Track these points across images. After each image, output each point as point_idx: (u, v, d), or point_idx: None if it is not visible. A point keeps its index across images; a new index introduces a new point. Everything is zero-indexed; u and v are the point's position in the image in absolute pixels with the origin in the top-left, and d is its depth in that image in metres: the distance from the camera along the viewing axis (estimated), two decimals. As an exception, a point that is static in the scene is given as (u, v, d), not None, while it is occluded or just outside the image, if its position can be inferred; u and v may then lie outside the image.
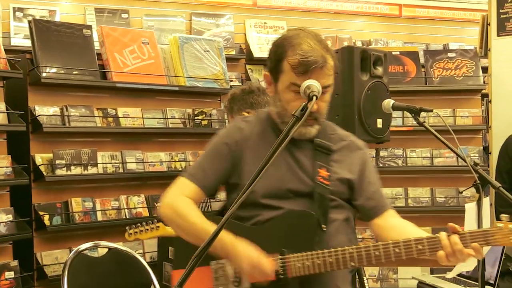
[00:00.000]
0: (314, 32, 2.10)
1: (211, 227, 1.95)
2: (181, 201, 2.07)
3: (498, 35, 4.61)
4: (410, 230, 2.03)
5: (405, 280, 4.55)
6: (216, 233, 1.60)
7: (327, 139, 2.13)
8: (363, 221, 2.17)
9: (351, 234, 2.18)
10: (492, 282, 3.73)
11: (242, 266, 1.93)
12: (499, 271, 3.79)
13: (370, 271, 4.58)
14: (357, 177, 2.12)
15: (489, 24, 4.66)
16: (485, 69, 4.89)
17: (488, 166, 4.62)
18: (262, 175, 1.86)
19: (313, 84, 1.88)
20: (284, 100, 2.03)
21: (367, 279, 3.57)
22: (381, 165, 4.68)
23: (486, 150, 4.81)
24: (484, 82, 4.84)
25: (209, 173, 2.10)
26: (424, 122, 2.70)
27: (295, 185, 2.05)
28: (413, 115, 2.72)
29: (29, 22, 3.93)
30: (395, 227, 2.08)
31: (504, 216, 1.82)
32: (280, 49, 2.03)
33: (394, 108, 2.90)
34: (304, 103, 1.83)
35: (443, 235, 1.81)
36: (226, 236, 1.91)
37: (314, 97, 1.83)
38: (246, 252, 1.91)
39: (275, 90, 2.07)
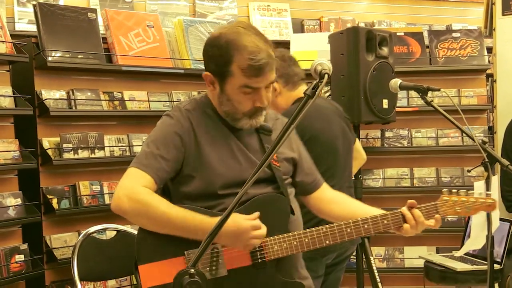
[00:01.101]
0: (250, 24, 2.13)
1: (186, 213, 1.92)
2: (143, 191, 1.94)
3: (503, 14, 4.56)
4: (351, 203, 2.27)
5: (411, 259, 4.53)
6: (225, 218, 1.59)
7: (264, 120, 2.13)
8: (299, 195, 2.25)
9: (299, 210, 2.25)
10: (498, 260, 3.71)
11: (240, 238, 1.89)
12: (506, 249, 3.77)
13: (377, 251, 4.56)
14: (297, 154, 2.21)
15: (494, 4, 4.60)
16: (489, 49, 4.84)
17: (493, 146, 4.59)
18: (219, 165, 1.99)
19: (324, 62, 1.85)
20: (235, 101, 2.01)
21: (373, 259, 3.56)
22: (386, 145, 4.65)
23: (491, 130, 4.77)
24: (489, 61, 4.79)
25: (163, 164, 1.99)
26: (432, 101, 2.67)
27: (248, 172, 1.95)
28: (420, 94, 2.69)
29: (34, 6, 3.89)
30: (335, 199, 2.26)
31: (445, 191, 2.15)
32: (225, 53, 1.97)
33: (402, 87, 2.86)
34: (315, 81, 1.80)
35: (405, 210, 2.05)
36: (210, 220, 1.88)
37: (326, 75, 1.80)
38: (242, 224, 1.89)
39: (221, 91, 2.03)
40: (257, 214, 1.92)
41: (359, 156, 3.43)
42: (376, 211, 2.13)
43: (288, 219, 2.03)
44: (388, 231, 2.06)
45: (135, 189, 1.94)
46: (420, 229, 2.06)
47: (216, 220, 1.64)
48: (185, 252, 1.94)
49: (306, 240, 1.97)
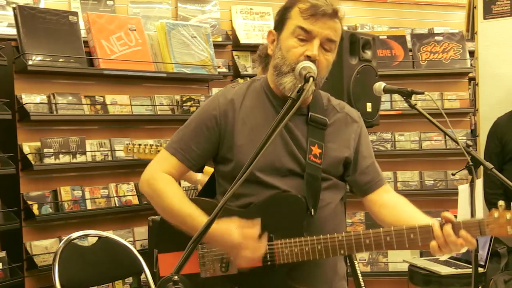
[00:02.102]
0: None
1: (189, 209, 1.89)
2: (159, 178, 1.97)
3: (484, 18, 4.58)
4: (402, 209, 1.98)
5: (396, 263, 4.54)
6: (211, 221, 1.51)
7: (321, 112, 2.03)
8: (359, 196, 2.09)
9: (343, 216, 2.13)
10: (482, 263, 3.72)
11: (230, 251, 1.87)
12: (489, 253, 3.78)
13: (360, 255, 4.56)
14: (352, 152, 2.04)
15: (475, 7, 4.62)
16: (472, 53, 4.87)
17: (476, 149, 4.61)
18: (251, 148, 1.83)
19: (309, 65, 1.82)
20: (285, 48, 1.92)
21: (358, 263, 3.54)
22: (369, 149, 4.64)
23: (474, 133, 4.79)
24: (471, 65, 4.82)
25: (192, 146, 1.99)
26: (416, 104, 2.66)
27: (290, 163, 1.96)
28: (404, 97, 2.68)
29: (14, 9, 3.84)
30: (388, 204, 2.01)
31: (501, 204, 1.73)
32: (289, 1, 1.94)
33: (386, 91, 2.84)
34: (300, 85, 1.77)
35: (436, 225, 1.75)
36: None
37: (311, 78, 1.76)
38: (233, 236, 1.82)
39: (278, 42, 1.96)
40: (257, 221, 1.84)
41: None
42: (422, 219, 1.86)
43: (303, 222, 1.92)
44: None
45: (155, 174, 1.99)
46: (455, 250, 1.75)
47: (218, 225, 1.65)
48: (199, 246, 1.90)
49: (319, 247, 1.84)
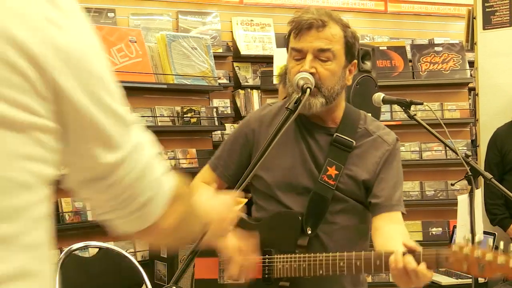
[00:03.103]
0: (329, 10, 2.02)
1: None
2: (198, 185, 2.09)
3: (484, 28, 4.60)
4: (391, 243, 1.83)
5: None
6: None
7: (350, 134, 1.99)
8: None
9: (363, 243, 2.06)
10: (484, 274, 3.72)
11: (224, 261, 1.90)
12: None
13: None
14: (373, 176, 1.97)
15: (475, 18, 4.65)
16: (471, 63, 4.89)
17: (476, 159, 4.62)
18: (276, 166, 1.94)
19: (306, 76, 1.83)
20: (288, 72, 1.96)
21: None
22: (370, 159, 4.65)
23: (474, 143, 4.80)
24: (471, 75, 4.83)
25: (228, 162, 2.09)
26: (415, 115, 2.67)
27: (306, 181, 1.97)
28: (403, 108, 2.69)
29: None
30: (385, 234, 1.92)
31: (466, 239, 1.63)
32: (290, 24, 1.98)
33: (385, 101, 2.86)
34: (296, 96, 1.79)
35: (396, 253, 1.66)
36: None
37: (308, 89, 1.78)
38: (226, 249, 1.84)
39: None
40: (254, 235, 1.84)
41: None
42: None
43: (296, 240, 1.93)
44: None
45: (195, 182, 2.12)
46: (416, 281, 1.63)
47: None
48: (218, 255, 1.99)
49: (304, 265, 1.84)
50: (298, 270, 1.86)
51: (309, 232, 1.94)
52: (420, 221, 4.58)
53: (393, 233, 1.90)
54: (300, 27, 1.88)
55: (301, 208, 1.96)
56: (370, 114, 2.25)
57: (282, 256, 1.90)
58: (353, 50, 1.99)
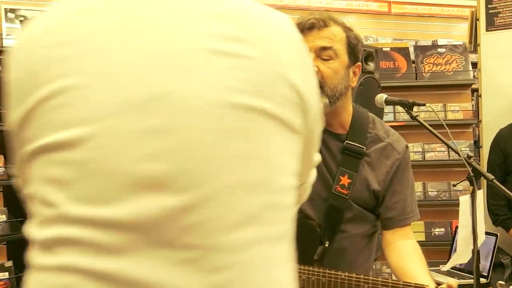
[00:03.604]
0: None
1: None
2: None
3: (487, 30, 4.58)
4: (407, 260, 1.93)
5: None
6: None
7: (360, 140, 1.98)
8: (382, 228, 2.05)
9: (368, 251, 2.06)
10: (485, 274, 3.71)
11: None
12: (492, 263, 3.76)
13: (364, 266, 4.54)
14: (384, 186, 1.97)
15: (478, 19, 4.63)
16: (474, 64, 4.87)
17: (479, 160, 4.60)
18: None
19: None
20: None
21: (361, 273, 3.53)
22: (373, 160, 4.64)
23: (477, 144, 4.78)
24: (474, 76, 4.81)
25: None
26: (417, 116, 2.66)
27: (319, 187, 1.93)
28: (406, 109, 2.68)
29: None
30: (398, 250, 1.96)
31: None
32: None
33: (387, 102, 2.85)
34: None
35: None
36: None
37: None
38: None
39: None
40: None
41: None
42: (419, 277, 1.82)
43: (314, 251, 1.92)
44: None
45: None
46: None
47: None
48: None
49: (323, 279, 1.82)
50: (317, 284, 1.83)
51: (327, 245, 1.93)
52: (422, 221, 4.57)
53: (408, 250, 1.95)
54: (302, 28, 1.88)
55: (317, 215, 1.94)
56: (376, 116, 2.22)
57: (300, 267, 1.86)
58: (356, 51, 1.99)
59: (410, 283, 1.74)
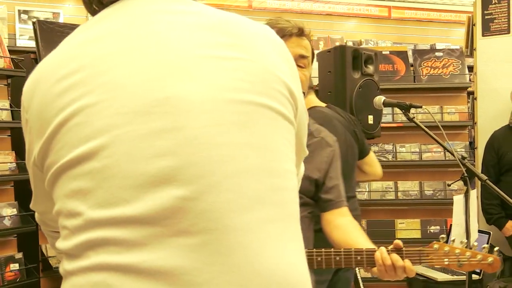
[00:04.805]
0: None
1: None
2: None
3: (483, 35, 4.58)
4: (351, 235, 2.00)
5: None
6: None
7: None
8: (319, 211, 2.13)
9: (307, 232, 2.12)
10: (478, 271, 3.71)
11: None
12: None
13: (362, 261, 4.54)
14: (324, 173, 2.08)
15: (474, 25, 4.63)
16: (470, 68, 4.87)
17: (474, 161, 4.60)
18: None
19: None
20: None
21: (358, 268, 3.53)
22: (371, 159, 4.64)
23: (472, 145, 4.78)
24: (470, 80, 4.81)
25: None
26: (414, 117, 2.66)
27: None
28: (403, 111, 2.69)
29: (33, 23, 3.88)
30: (340, 227, 2.05)
31: (442, 236, 1.81)
32: None
33: (385, 104, 2.86)
34: None
35: (381, 250, 1.76)
36: None
37: (303, 93, 1.81)
38: None
39: None
40: None
41: (371, 170, 3.38)
42: (369, 245, 1.88)
43: None
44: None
45: None
46: (400, 275, 1.75)
47: None
48: None
49: None
50: None
51: None
52: (419, 219, 4.57)
53: (349, 225, 2.04)
54: (282, 34, 1.94)
55: None
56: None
57: None
58: (313, 60, 2.13)
59: (362, 249, 1.82)
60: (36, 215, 1.17)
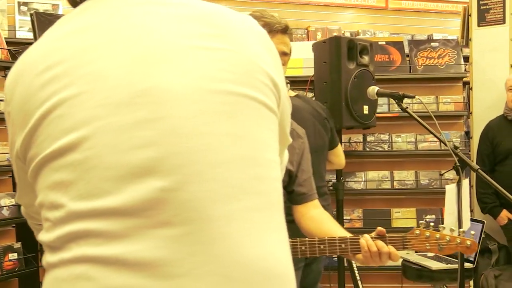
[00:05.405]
0: None
1: None
2: None
3: (478, 25, 4.56)
4: (326, 224, 2.04)
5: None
6: None
7: None
8: (290, 203, 2.15)
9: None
10: (471, 259, 3.71)
11: None
12: (479, 248, 3.76)
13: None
14: (297, 165, 2.10)
15: (470, 15, 4.61)
16: (466, 58, 4.85)
17: (470, 150, 4.59)
18: None
19: None
20: None
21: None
22: (368, 149, 4.64)
23: (468, 135, 4.77)
24: (465, 70, 4.79)
25: None
26: (407, 107, 2.66)
27: None
28: (396, 101, 2.68)
29: (31, 15, 3.87)
30: (314, 218, 2.08)
31: (422, 222, 1.86)
32: None
33: (378, 94, 2.85)
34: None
35: (366, 237, 1.79)
36: None
37: (288, 85, 1.81)
38: None
39: None
40: None
41: (337, 160, 3.38)
42: (347, 234, 1.91)
43: None
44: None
45: None
46: (385, 261, 1.79)
47: None
48: None
49: None
50: None
51: None
52: (414, 208, 4.57)
53: (323, 217, 2.07)
54: (269, 29, 1.97)
55: None
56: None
57: None
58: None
59: (346, 236, 1.84)
60: (22, 208, 1.17)
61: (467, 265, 3.56)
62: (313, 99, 4.07)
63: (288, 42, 2.07)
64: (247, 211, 0.91)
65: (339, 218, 3.61)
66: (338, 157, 3.37)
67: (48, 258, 0.92)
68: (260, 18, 1.98)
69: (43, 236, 0.93)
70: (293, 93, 3.03)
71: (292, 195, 2.14)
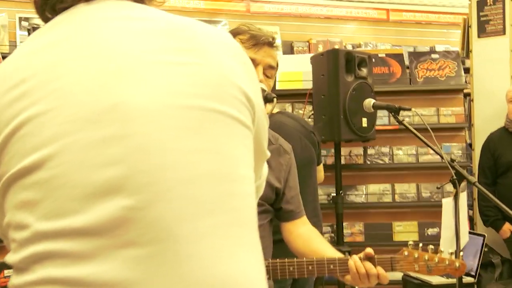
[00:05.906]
0: None
1: None
2: None
3: (478, 36, 4.54)
4: (315, 241, 2.03)
5: (390, 273, 4.46)
6: None
7: None
8: (278, 220, 2.12)
9: (268, 239, 2.14)
10: (473, 273, 3.66)
11: None
12: (480, 262, 3.71)
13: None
14: (284, 182, 2.07)
15: (470, 26, 4.59)
16: (467, 70, 4.81)
17: (471, 162, 4.55)
18: None
19: (263, 86, 1.85)
20: None
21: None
22: (368, 162, 4.60)
23: (471, 147, 4.72)
24: (466, 82, 4.75)
25: None
26: (403, 120, 2.64)
27: None
28: (392, 113, 2.66)
29: (28, 30, 3.88)
30: (303, 235, 2.06)
31: (410, 243, 1.84)
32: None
33: (375, 107, 2.83)
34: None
35: (354, 258, 1.78)
36: None
37: (275, 99, 1.79)
38: None
39: None
40: None
41: (319, 176, 3.30)
42: (336, 254, 1.91)
43: None
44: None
45: None
46: (373, 282, 1.77)
47: None
48: None
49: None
50: None
51: None
52: (416, 221, 4.52)
53: (311, 234, 2.06)
54: (256, 41, 1.97)
55: None
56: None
57: None
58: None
59: (334, 257, 1.82)
60: None
61: (469, 279, 3.51)
62: (311, 112, 4.05)
63: (275, 55, 2.05)
64: (217, 228, 0.88)
65: (338, 232, 3.57)
66: (320, 172, 3.34)
67: (13, 280, 0.89)
68: (247, 32, 1.98)
69: (9, 257, 0.90)
70: (276, 110, 3.01)
71: (280, 213, 2.10)
